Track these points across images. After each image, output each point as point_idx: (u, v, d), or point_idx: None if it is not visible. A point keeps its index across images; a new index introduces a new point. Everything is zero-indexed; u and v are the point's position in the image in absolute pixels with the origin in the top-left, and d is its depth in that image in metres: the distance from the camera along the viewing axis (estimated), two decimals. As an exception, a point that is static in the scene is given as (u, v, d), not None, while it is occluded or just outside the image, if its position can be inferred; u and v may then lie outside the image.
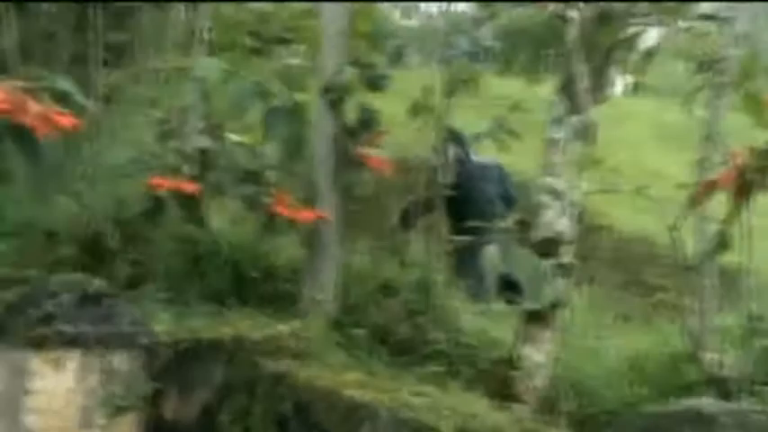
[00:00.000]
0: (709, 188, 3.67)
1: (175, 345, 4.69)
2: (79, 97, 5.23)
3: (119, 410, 4.47)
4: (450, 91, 6.02)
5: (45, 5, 9.05)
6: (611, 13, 4.78)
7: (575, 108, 5.21)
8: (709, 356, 4.46)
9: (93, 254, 6.23)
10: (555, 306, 5.01)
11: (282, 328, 5.19)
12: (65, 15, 8.80)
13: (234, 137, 7.66)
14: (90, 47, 8.99)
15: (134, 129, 5.96)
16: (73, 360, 4.36)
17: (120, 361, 4.49)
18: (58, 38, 8.48)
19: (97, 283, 4.67)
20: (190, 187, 5.33)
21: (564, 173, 5.20)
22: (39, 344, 4.28)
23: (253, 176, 5.72)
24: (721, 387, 4.30)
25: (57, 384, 4.33)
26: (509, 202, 8.38)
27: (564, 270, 5.01)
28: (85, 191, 6.32)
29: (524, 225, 5.45)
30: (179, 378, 4.77)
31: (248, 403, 4.93)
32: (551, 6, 4.78)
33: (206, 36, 7.32)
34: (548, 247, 5.03)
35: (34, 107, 4.38)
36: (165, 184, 5.32)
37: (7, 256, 6.14)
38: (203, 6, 7.26)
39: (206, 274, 6.09)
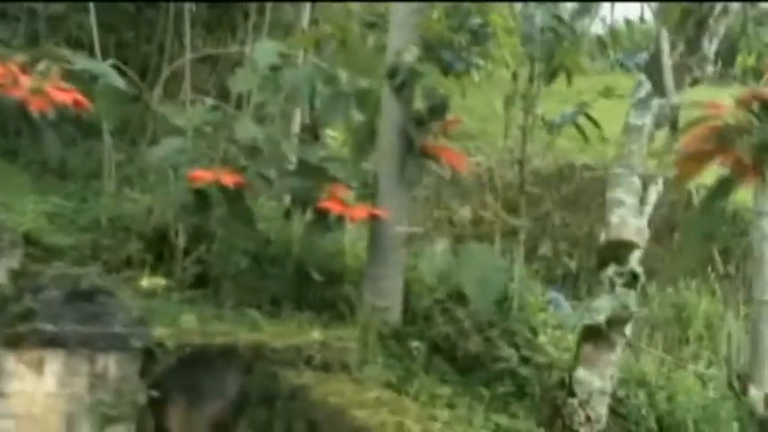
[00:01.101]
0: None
1: (180, 349, 4.25)
2: (116, 81, 5.00)
3: (108, 420, 4.08)
4: (539, 77, 5.27)
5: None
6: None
7: (660, 89, 4.36)
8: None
9: (158, 251, 5.96)
10: (617, 322, 4.18)
11: (315, 336, 4.66)
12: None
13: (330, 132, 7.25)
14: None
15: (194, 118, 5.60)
16: (54, 362, 4.01)
17: (111, 365, 4.10)
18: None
19: (91, 279, 4.29)
20: (231, 180, 4.89)
21: (643, 165, 4.36)
22: (14, 342, 3.96)
23: (308, 169, 5.22)
24: None
25: (36, 388, 3.99)
26: None
27: (630, 279, 4.18)
28: (155, 185, 6.06)
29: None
30: (185, 387, 4.34)
31: (268, 419, 4.44)
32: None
33: (306, 28, 6.92)
34: (615, 252, 4.22)
35: (27, 82, 4.12)
36: (205, 176, 4.91)
37: (79, 250, 5.97)
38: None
39: (269, 276, 5.67)
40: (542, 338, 5.11)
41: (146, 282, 5.62)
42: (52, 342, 3.98)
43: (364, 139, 5.39)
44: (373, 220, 5.18)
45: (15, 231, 5.77)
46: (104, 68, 4.95)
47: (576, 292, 10.82)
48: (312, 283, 5.57)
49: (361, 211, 4.98)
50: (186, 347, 4.28)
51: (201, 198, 5.04)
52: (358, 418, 3.87)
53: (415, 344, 5.01)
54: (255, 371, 4.43)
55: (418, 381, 4.77)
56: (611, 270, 4.18)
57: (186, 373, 4.32)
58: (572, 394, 4.23)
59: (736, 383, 3.57)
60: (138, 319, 4.24)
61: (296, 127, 7.33)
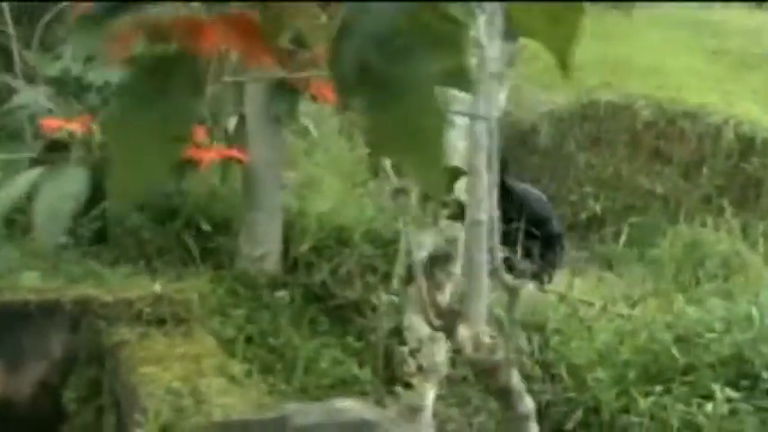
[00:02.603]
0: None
1: (-10, 308, 4.02)
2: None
3: None
4: None
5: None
6: None
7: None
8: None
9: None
10: (442, 259, 3.71)
11: (156, 289, 4.35)
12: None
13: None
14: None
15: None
16: None
17: None
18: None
19: None
20: (76, 125, 4.59)
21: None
22: None
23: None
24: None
25: None
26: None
27: (457, 210, 3.69)
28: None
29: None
30: (3, 348, 4.10)
31: (96, 377, 4.18)
32: None
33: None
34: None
35: None
36: (53, 124, 4.63)
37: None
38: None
39: (161, 229, 5.39)
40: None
41: (42, 241, 5.44)
42: None
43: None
44: (242, 163, 4.82)
45: None
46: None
47: (601, 237, 10.25)
48: (201, 234, 5.27)
49: (212, 154, 4.60)
50: (-2, 306, 4.03)
51: (55, 149, 4.78)
52: (141, 374, 3.55)
53: (280, 294, 4.66)
54: (82, 328, 4.15)
55: (272, 333, 4.42)
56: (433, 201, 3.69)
57: (3, 334, 4.08)
58: (402, 342, 3.79)
59: (435, 322, 3.05)
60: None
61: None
